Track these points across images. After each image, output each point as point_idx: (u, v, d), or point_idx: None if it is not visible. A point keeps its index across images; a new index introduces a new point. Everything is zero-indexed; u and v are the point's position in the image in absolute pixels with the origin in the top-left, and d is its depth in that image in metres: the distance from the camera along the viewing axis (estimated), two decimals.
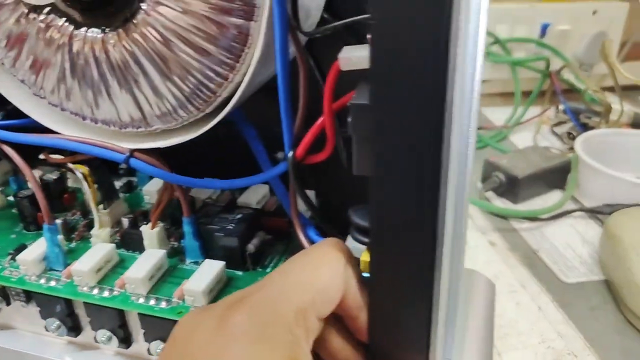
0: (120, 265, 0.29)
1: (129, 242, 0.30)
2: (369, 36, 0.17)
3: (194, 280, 0.26)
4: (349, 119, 0.19)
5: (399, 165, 0.18)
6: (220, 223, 0.29)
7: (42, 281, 0.29)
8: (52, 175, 0.35)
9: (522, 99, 0.72)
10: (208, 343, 0.19)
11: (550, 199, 0.56)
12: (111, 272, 0.29)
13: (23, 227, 0.33)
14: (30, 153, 0.29)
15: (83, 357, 0.30)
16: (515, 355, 0.38)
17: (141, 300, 0.27)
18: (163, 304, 0.27)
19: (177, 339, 0.20)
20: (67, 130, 0.28)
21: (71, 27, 0.25)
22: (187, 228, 0.28)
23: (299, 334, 0.19)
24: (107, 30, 0.24)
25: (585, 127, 0.65)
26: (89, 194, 0.31)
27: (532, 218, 0.52)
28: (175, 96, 0.25)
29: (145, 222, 0.30)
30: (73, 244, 0.32)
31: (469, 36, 0.17)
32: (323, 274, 0.20)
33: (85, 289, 0.28)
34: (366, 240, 0.22)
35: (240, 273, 0.28)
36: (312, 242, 0.27)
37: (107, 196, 0.32)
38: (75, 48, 0.25)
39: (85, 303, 0.28)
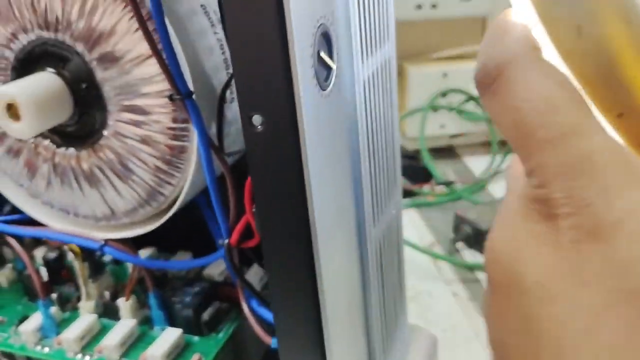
0: (101, 333, 0.35)
1: (109, 312, 0.36)
2: None
3: (156, 346, 0.32)
4: None
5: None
6: (181, 295, 0.34)
7: (38, 348, 0.35)
8: (53, 254, 0.41)
9: (502, 147, 0.76)
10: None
11: None
12: (94, 339, 0.35)
13: (28, 299, 0.40)
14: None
15: None
16: None
17: None
18: None
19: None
20: (57, 223, 0.34)
21: (54, 146, 0.31)
22: (152, 301, 0.34)
23: None
24: (79, 149, 0.31)
25: None
26: (78, 270, 0.37)
27: None
28: (134, 198, 0.31)
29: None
30: (67, 314, 0.38)
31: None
32: None
33: (71, 354, 0.34)
34: None
35: (196, 338, 0.34)
36: (254, 313, 0.32)
37: (95, 271, 0.39)
38: (56, 160, 0.32)
39: None
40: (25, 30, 0.28)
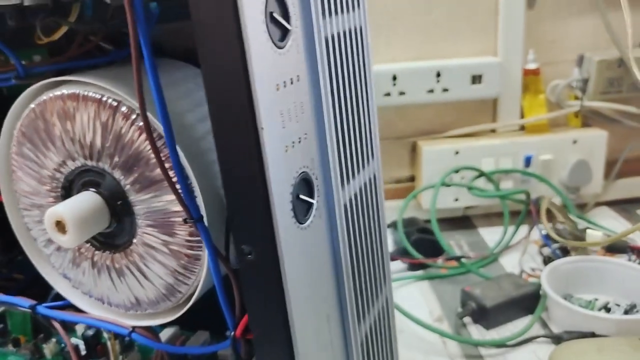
0: None
1: None
2: None
3: None
4: None
5: None
6: None
7: None
8: (91, 332, 0.47)
9: (513, 219, 0.80)
10: None
11: (523, 324, 0.63)
12: None
13: None
14: None
15: None
16: None
17: None
18: None
19: None
20: (94, 310, 0.40)
21: (93, 248, 0.38)
22: None
23: None
24: (113, 252, 0.37)
25: (564, 251, 0.72)
26: (111, 347, 0.43)
27: (499, 345, 0.59)
28: (156, 293, 0.37)
29: None
30: None
31: None
32: None
33: None
34: None
35: None
36: None
37: (126, 349, 0.44)
38: (95, 259, 0.38)
39: None
40: (72, 159, 0.35)
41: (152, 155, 0.33)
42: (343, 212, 0.31)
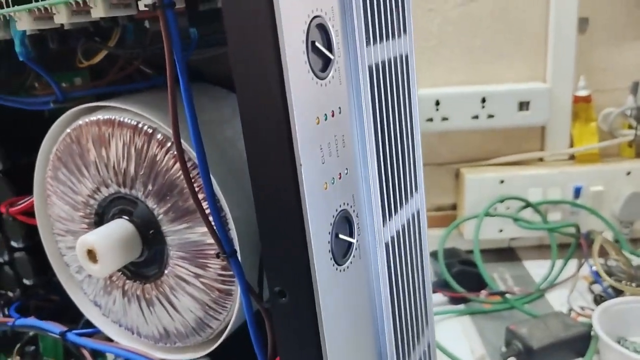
0: None
1: None
2: None
3: None
4: None
5: None
6: None
7: None
8: None
9: (561, 252, 0.76)
10: None
11: None
12: None
13: None
14: None
15: None
16: None
17: None
18: None
19: None
20: (123, 340, 0.39)
21: (124, 277, 0.37)
22: None
23: None
24: (144, 282, 0.36)
25: (617, 290, 0.67)
26: None
27: None
28: (186, 326, 0.35)
29: None
30: None
31: None
32: None
33: None
34: None
35: None
36: None
37: None
38: (126, 288, 0.37)
39: None
40: (106, 185, 0.34)
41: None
42: (384, 251, 0.29)
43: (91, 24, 0.33)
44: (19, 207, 0.41)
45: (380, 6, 0.28)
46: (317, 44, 0.23)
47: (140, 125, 0.32)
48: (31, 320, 0.43)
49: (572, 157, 0.81)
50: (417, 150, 0.34)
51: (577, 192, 0.78)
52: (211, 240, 0.32)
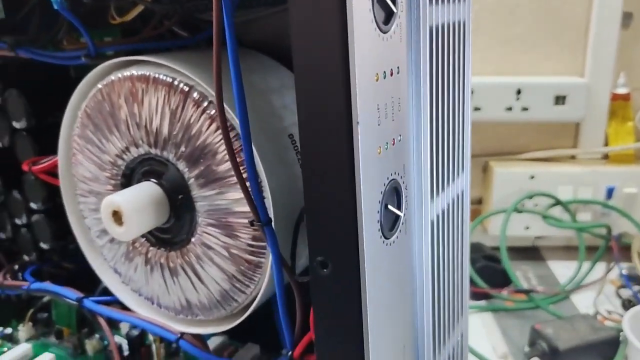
0: None
1: None
2: None
3: None
4: None
5: None
6: None
7: None
8: (136, 331, 0.44)
9: (589, 254, 0.73)
10: None
11: None
12: None
13: None
14: None
15: None
16: None
17: None
18: None
19: None
20: (142, 310, 0.38)
21: (148, 244, 0.35)
22: None
23: None
24: (169, 250, 0.34)
25: None
26: (154, 350, 0.40)
27: None
28: (210, 298, 0.33)
29: None
30: None
31: None
32: None
33: None
34: None
35: None
36: None
37: (172, 354, 0.41)
38: (149, 256, 0.35)
39: None
40: (136, 145, 0.32)
41: (221, 149, 0.30)
42: (429, 229, 0.27)
43: None
44: (43, 165, 0.39)
45: None
46: None
47: (176, 83, 0.30)
48: (47, 285, 0.42)
49: (605, 157, 0.78)
50: (467, 128, 0.32)
51: (610, 193, 0.75)
52: (243, 208, 0.30)
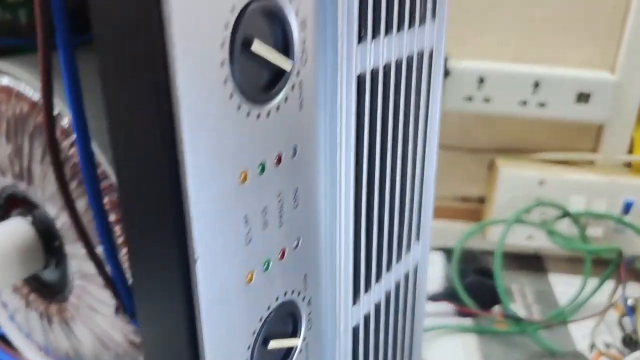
0: None
1: None
2: None
3: None
4: None
5: None
6: None
7: None
8: None
9: (596, 269, 0.65)
10: None
11: None
12: None
13: None
14: None
15: None
16: None
17: None
18: None
19: None
20: (28, 352, 0.32)
21: (29, 287, 0.28)
22: None
23: None
24: (49, 301, 0.27)
25: None
26: None
27: None
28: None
29: None
30: None
31: None
32: None
33: None
34: None
35: None
36: None
37: None
38: (30, 299, 0.29)
39: None
40: (3, 174, 0.25)
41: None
42: (350, 338, 0.20)
43: None
44: None
45: None
46: (255, 45, 0.13)
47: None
48: None
49: (628, 165, 0.69)
50: (426, 187, 0.24)
51: (627, 207, 0.66)
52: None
